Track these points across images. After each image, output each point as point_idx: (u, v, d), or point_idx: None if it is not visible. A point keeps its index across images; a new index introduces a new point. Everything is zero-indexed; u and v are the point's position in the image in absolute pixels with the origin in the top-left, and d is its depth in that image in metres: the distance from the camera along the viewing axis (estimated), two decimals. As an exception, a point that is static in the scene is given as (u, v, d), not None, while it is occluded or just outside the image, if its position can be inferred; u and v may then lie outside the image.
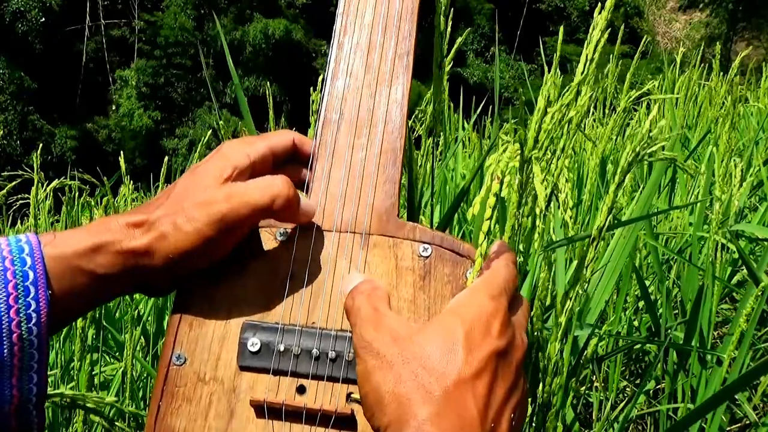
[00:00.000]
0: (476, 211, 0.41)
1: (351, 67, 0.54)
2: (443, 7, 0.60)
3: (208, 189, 0.46)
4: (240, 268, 0.49)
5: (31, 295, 0.42)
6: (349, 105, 0.53)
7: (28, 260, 0.42)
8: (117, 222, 0.45)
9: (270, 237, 0.50)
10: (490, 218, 0.41)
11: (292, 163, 0.53)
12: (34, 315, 0.42)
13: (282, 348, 0.46)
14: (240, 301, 0.48)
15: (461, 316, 0.39)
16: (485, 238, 0.42)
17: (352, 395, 0.46)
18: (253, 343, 0.47)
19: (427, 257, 0.48)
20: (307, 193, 0.52)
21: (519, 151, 0.54)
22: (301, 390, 0.46)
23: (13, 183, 1.32)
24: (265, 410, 0.46)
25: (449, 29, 0.66)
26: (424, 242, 0.48)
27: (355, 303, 0.43)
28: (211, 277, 0.49)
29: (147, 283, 0.47)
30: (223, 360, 0.47)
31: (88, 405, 0.69)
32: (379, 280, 0.47)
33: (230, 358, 0.47)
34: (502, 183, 0.47)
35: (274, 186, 0.46)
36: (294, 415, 0.45)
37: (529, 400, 0.66)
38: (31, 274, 0.42)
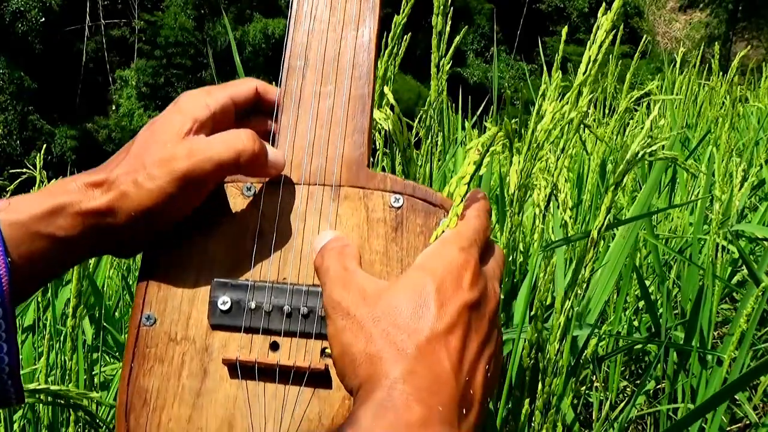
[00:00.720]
0: (452, 189, 0.40)
1: (315, 9, 0.51)
2: (441, 7, 0.59)
3: (168, 145, 0.44)
4: (207, 226, 0.47)
5: None
6: (314, 51, 0.50)
7: None
8: (75, 183, 0.44)
9: (236, 192, 0.48)
10: (468, 183, 0.41)
11: (257, 115, 0.51)
12: None
13: (253, 305, 0.45)
14: (208, 259, 0.47)
15: (431, 270, 0.38)
16: (461, 200, 0.41)
17: (325, 350, 0.45)
18: (224, 302, 0.46)
19: (399, 208, 0.46)
20: (273, 145, 0.50)
21: (500, 136, 0.53)
22: (274, 347, 0.45)
23: (15, 182, 1.32)
24: (238, 368, 0.45)
25: (448, 29, 0.66)
26: (395, 192, 0.47)
27: (325, 261, 0.42)
28: (177, 237, 0.47)
29: (109, 245, 0.46)
30: (194, 319, 0.46)
31: (72, 399, 0.68)
32: (350, 233, 0.46)
33: (201, 318, 0.46)
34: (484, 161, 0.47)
35: (238, 140, 0.44)
36: (267, 372, 0.45)
37: (528, 399, 0.66)
38: None
